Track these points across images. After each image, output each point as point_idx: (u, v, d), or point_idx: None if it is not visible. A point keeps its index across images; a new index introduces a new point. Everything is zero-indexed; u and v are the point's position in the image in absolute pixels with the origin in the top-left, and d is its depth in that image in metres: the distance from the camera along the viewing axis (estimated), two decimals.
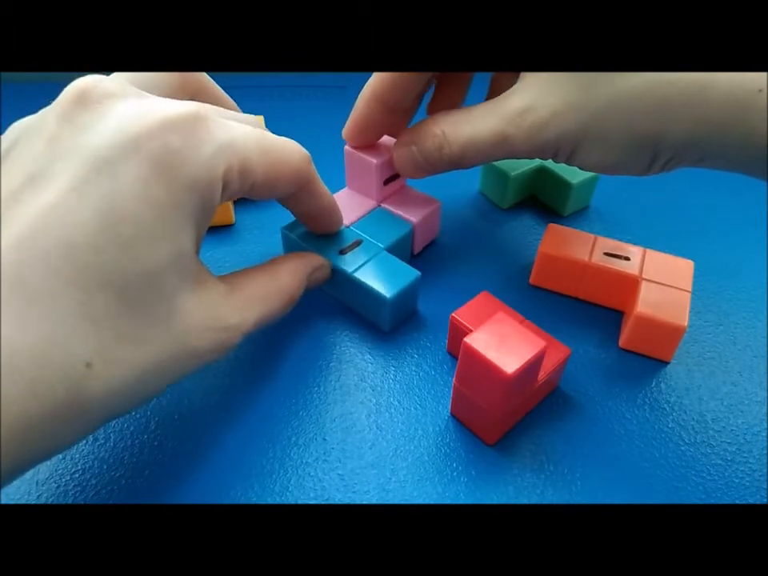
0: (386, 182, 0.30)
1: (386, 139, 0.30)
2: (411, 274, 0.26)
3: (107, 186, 0.16)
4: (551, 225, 0.29)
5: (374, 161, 0.28)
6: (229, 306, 0.21)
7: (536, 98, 0.22)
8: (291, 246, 0.29)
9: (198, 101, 0.22)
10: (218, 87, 0.25)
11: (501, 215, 0.35)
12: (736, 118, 0.19)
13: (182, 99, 0.20)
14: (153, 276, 0.17)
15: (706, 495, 0.22)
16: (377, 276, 0.26)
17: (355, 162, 0.30)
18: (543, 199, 0.35)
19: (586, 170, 0.24)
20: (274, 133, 0.26)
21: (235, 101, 0.27)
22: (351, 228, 0.29)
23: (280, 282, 0.23)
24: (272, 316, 0.23)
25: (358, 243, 0.28)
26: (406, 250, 0.30)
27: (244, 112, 0.28)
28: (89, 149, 0.17)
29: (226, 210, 0.32)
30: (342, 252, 0.27)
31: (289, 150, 0.22)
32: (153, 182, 0.17)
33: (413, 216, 0.29)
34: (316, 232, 0.28)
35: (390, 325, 0.27)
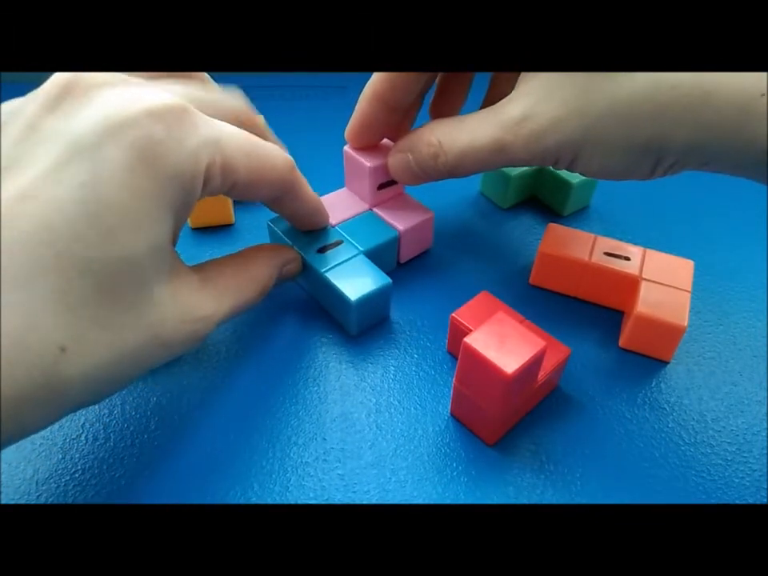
0: (381, 186, 0.29)
1: (385, 143, 0.30)
2: (381, 280, 0.26)
3: (88, 171, 0.16)
4: (551, 225, 0.29)
5: (368, 164, 0.28)
6: (202, 297, 0.21)
7: (534, 105, 0.22)
8: (276, 239, 0.29)
9: None
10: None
11: (501, 215, 0.35)
12: (738, 122, 0.19)
13: None
14: (131, 264, 0.17)
15: (706, 495, 0.22)
16: (346, 278, 0.26)
17: (352, 163, 0.29)
18: (543, 199, 0.35)
19: (589, 177, 0.24)
20: (274, 133, 0.26)
21: None
22: (336, 228, 0.29)
23: (252, 273, 0.24)
24: (244, 306, 0.23)
25: (338, 244, 0.28)
26: (390, 257, 0.29)
27: None
28: (71, 134, 0.17)
29: (226, 210, 0.32)
30: (321, 250, 0.27)
31: (273, 155, 0.22)
32: (137, 170, 0.17)
33: (401, 224, 0.29)
34: (300, 230, 0.28)
35: (356, 329, 0.27)
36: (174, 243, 0.20)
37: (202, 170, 0.19)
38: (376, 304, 0.26)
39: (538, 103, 0.22)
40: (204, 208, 0.32)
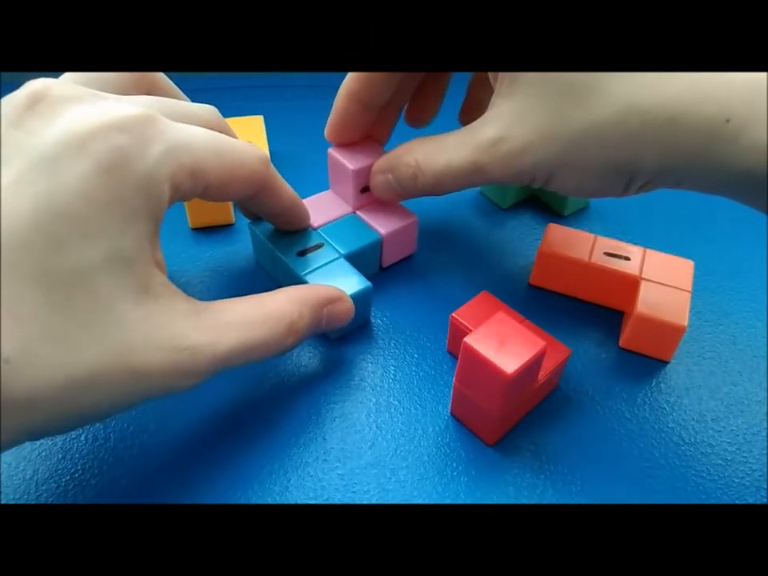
0: (365, 189, 0.29)
1: (370, 145, 0.30)
2: (361, 283, 0.26)
3: (46, 183, 0.16)
4: (551, 225, 0.29)
5: (351, 167, 0.28)
6: (190, 326, 0.19)
7: (507, 128, 0.22)
8: (257, 243, 0.29)
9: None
10: (174, 86, 0.25)
11: (501, 215, 0.35)
12: (705, 147, 0.19)
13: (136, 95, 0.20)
14: (84, 275, 0.16)
15: (705, 495, 0.22)
16: (326, 282, 0.25)
17: (336, 165, 0.29)
18: (543, 199, 0.35)
19: (565, 195, 0.24)
20: (274, 133, 0.26)
21: (235, 101, 0.27)
22: (318, 231, 0.28)
23: (270, 308, 0.21)
24: (259, 346, 0.21)
25: (318, 247, 0.27)
26: (372, 261, 0.29)
27: (244, 112, 0.28)
28: (34, 149, 0.17)
29: (225, 210, 0.32)
30: (301, 254, 0.27)
31: (244, 153, 0.22)
32: (93, 179, 0.17)
33: (383, 228, 0.29)
34: (281, 229, 0.28)
35: (335, 332, 0.26)
36: (150, 260, 0.19)
37: (165, 176, 0.18)
38: (356, 308, 0.26)
39: (511, 126, 0.22)
40: (204, 208, 0.32)
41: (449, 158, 0.24)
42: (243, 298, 0.22)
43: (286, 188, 0.25)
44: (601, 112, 0.20)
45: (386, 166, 0.27)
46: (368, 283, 0.26)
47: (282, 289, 0.23)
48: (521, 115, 0.22)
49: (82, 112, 0.18)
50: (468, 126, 0.24)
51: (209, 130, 0.21)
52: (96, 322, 0.17)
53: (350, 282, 0.26)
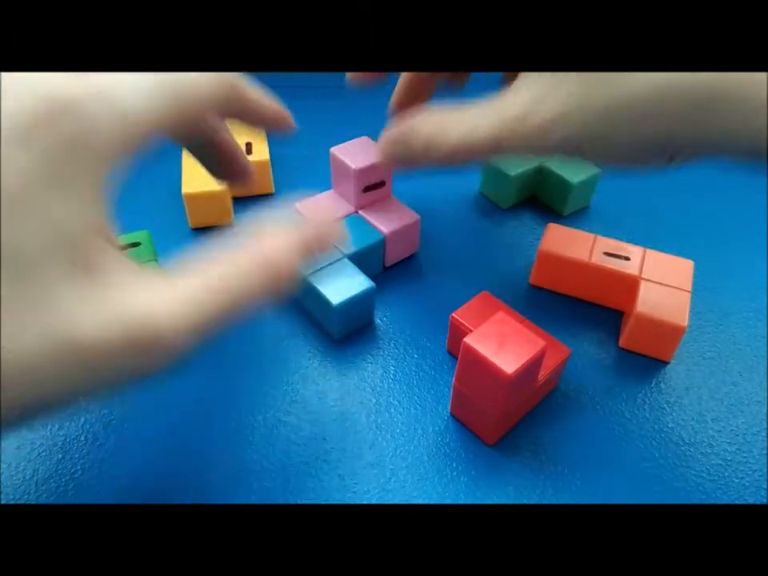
0: (367, 189, 0.29)
1: (372, 146, 0.29)
2: (365, 284, 0.26)
3: None
4: (551, 225, 0.29)
5: (353, 166, 0.28)
6: (146, 298, 0.17)
7: (536, 101, 0.22)
8: None
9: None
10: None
11: (501, 215, 0.35)
12: (746, 118, 0.19)
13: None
14: (19, 256, 0.16)
15: (705, 495, 0.22)
16: (330, 282, 0.25)
17: (338, 165, 0.29)
18: (543, 199, 0.35)
19: (596, 165, 0.23)
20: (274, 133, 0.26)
21: None
22: None
23: (246, 260, 0.19)
24: (240, 301, 0.18)
25: None
26: (375, 260, 0.29)
27: None
28: None
29: (225, 210, 0.32)
30: None
31: (201, 86, 0.20)
32: (31, 157, 0.16)
33: (386, 227, 0.29)
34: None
35: (339, 333, 0.27)
36: (104, 236, 0.17)
37: (116, 143, 0.17)
38: (359, 308, 0.26)
39: (541, 100, 0.22)
40: (204, 208, 0.32)
41: (467, 131, 0.23)
42: (214, 255, 0.19)
43: (263, 102, 0.23)
44: (629, 83, 0.20)
45: (399, 135, 0.26)
46: (371, 284, 0.26)
47: (261, 232, 0.20)
48: (549, 87, 0.22)
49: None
50: (491, 101, 0.23)
51: (162, 80, 0.20)
52: (34, 304, 0.16)
53: (354, 283, 0.26)
